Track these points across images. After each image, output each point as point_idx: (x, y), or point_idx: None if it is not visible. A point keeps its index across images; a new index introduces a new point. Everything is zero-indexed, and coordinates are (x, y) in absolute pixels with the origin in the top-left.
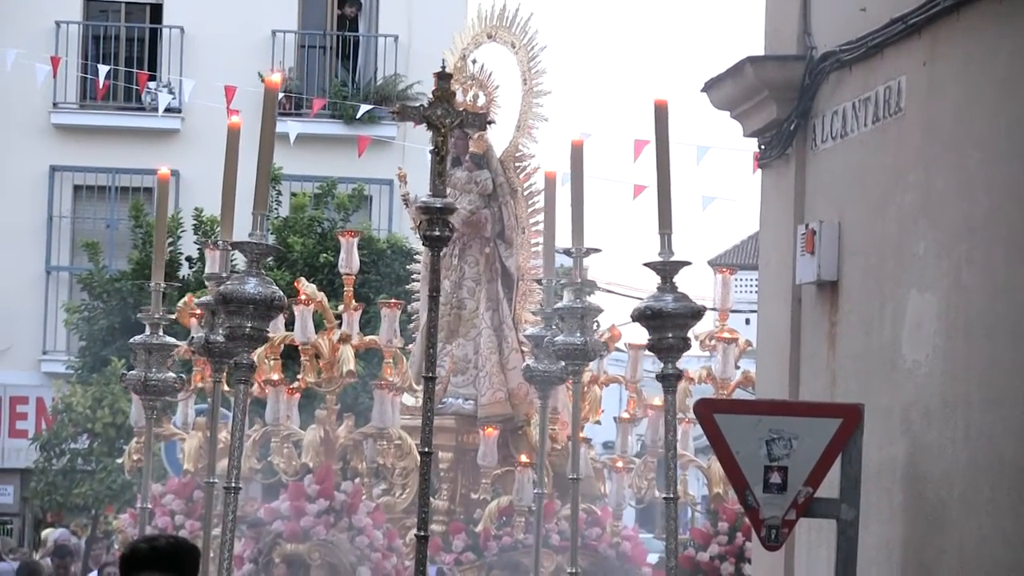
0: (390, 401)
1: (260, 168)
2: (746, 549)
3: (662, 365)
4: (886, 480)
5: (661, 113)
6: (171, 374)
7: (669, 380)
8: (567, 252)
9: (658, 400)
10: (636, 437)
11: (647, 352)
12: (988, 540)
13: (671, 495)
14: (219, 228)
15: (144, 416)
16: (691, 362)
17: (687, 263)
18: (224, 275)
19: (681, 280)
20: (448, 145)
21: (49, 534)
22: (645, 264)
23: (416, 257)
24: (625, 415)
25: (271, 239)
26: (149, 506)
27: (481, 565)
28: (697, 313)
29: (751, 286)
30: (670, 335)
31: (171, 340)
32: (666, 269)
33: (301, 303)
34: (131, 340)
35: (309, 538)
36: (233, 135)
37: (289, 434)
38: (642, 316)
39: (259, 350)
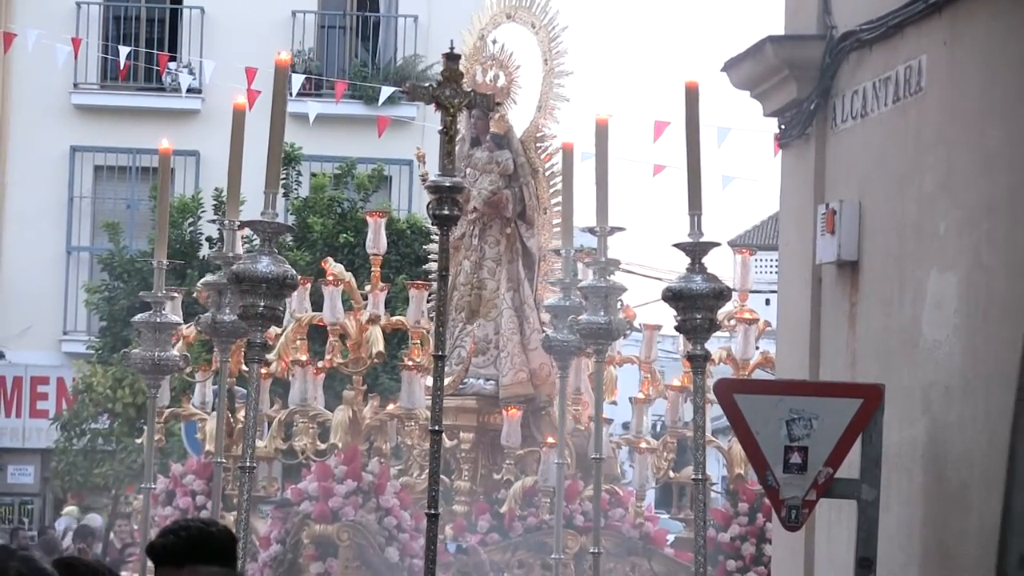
0: (418, 382)
1: (271, 146)
2: (767, 530)
3: (684, 346)
4: (906, 460)
5: (692, 95)
6: (175, 353)
7: (698, 361)
8: (592, 231)
9: (676, 381)
10: (652, 418)
11: (661, 333)
12: None
13: (700, 476)
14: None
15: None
16: (710, 343)
17: (716, 244)
18: (230, 255)
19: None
20: (456, 125)
21: (60, 521)
22: (675, 245)
23: (433, 237)
24: (640, 395)
25: (291, 219)
26: (154, 487)
27: (507, 546)
28: (725, 294)
29: (771, 266)
30: (698, 316)
31: (175, 319)
32: (695, 250)
33: (330, 284)
34: (134, 319)
35: (338, 519)
36: (239, 116)
37: (316, 414)
38: (670, 296)
39: (287, 330)
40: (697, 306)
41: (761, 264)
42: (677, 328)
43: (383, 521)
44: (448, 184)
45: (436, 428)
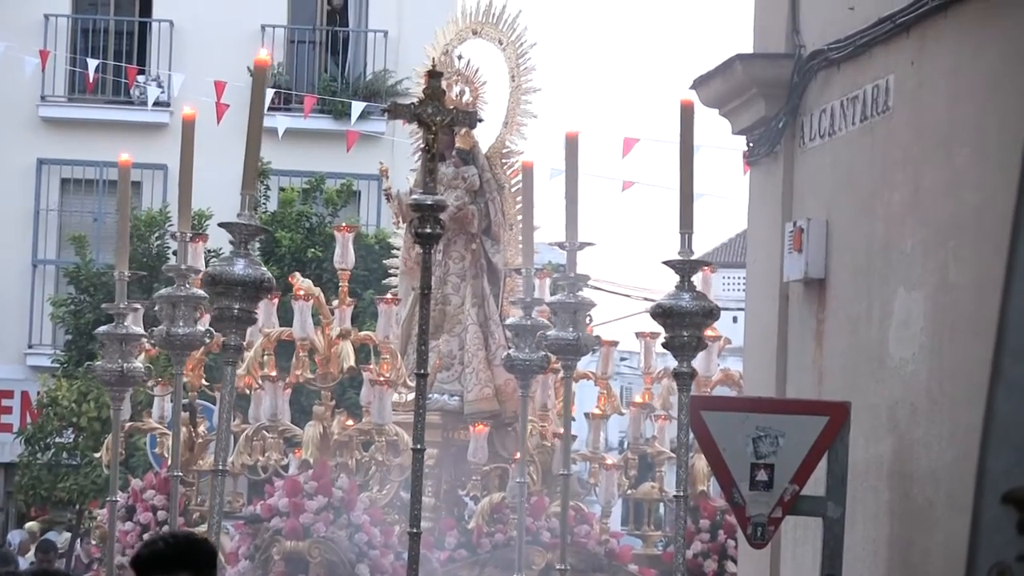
0: (388, 397)
1: (248, 147)
2: (728, 546)
3: (645, 362)
4: (872, 478)
5: (687, 113)
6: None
7: (683, 378)
8: (561, 246)
9: (638, 397)
10: (619, 434)
11: (628, 350)
12: None
13: (682, 493)
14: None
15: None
16: (669, 360)
17: (707, 263)
18: (183, 267)
19: (669, 278)
20: (438, 143)
21: (13, 536)
22: (664, 262)
23: (393, 252)
24: (596, 411)
25: None
26: (118, 499)
27: (475, 562)
28: (714, 312)
29: (739, 284)
30: (685, 333)
31: (138, 330)
32: (685, 268)
33: (300, 299)
34: (97, 331)
35: (309, 535)
36: (188, 127)
37: (284, 429)
38: (659, 313)
39: (255, 346)
40: (685, 324)
41: (729, 281)
42: (664, 345)
43: (354, 538)
44: (430, 202)
45: (418, 447)
